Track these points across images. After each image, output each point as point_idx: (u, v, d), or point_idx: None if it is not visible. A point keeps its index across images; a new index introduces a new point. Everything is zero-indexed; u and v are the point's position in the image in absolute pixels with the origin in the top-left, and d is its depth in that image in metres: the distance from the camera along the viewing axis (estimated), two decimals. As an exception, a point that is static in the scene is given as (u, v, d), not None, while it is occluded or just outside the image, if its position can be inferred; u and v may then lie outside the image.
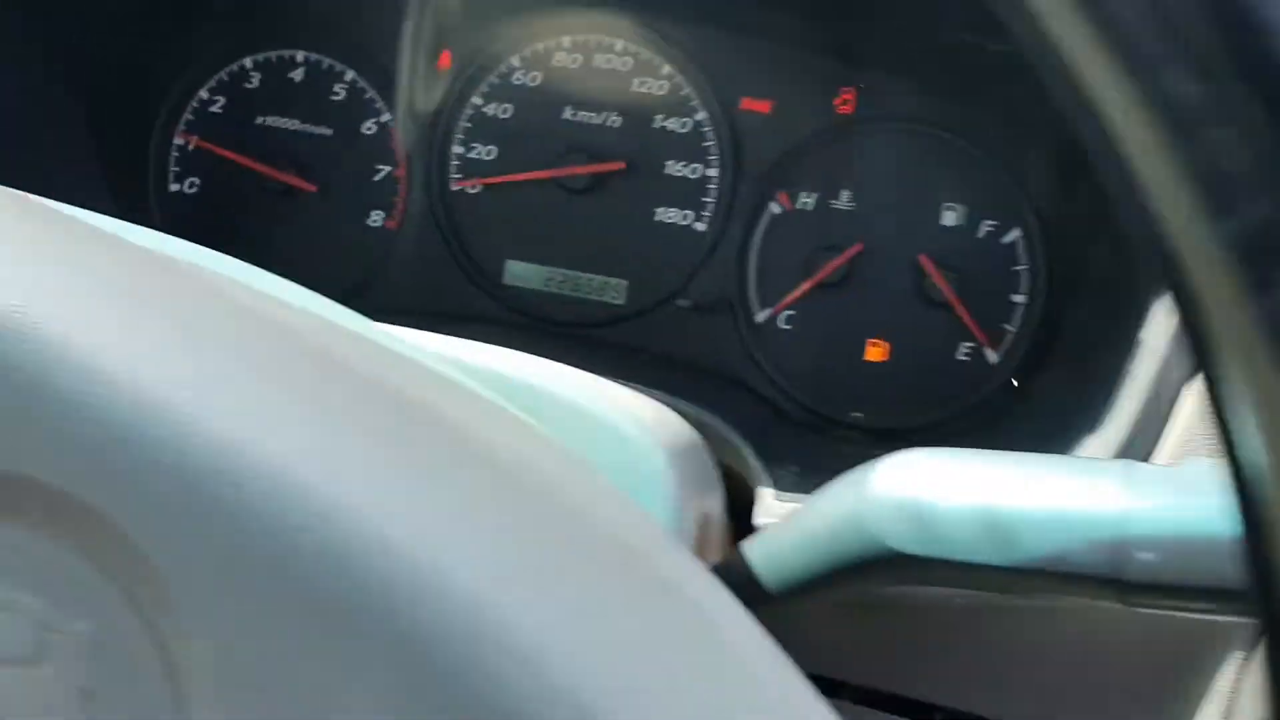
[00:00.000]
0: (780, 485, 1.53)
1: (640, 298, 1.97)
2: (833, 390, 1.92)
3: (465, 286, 2.02)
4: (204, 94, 2.06)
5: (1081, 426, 1.50)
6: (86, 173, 1.94)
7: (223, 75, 2.05)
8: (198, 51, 2.05)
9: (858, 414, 1.92)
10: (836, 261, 1.87)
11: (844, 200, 1.90)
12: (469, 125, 2.00)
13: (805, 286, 1.89)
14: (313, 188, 2.03)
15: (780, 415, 1.90)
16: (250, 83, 2.05)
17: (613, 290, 1.97)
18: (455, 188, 2.01)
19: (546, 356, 1.94)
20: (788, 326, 1.93)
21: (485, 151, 2.00)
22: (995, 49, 1.70)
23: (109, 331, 0.43)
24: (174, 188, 2.07)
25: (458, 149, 2.01)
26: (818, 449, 1.79)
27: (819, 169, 1.91)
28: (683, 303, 1.95)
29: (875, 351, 1.91)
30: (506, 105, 1.99)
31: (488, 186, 2.00)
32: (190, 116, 2.06)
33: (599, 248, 1.98)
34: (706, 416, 1.57)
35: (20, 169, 1.71)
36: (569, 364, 1.90)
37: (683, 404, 1.52)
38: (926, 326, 1.89)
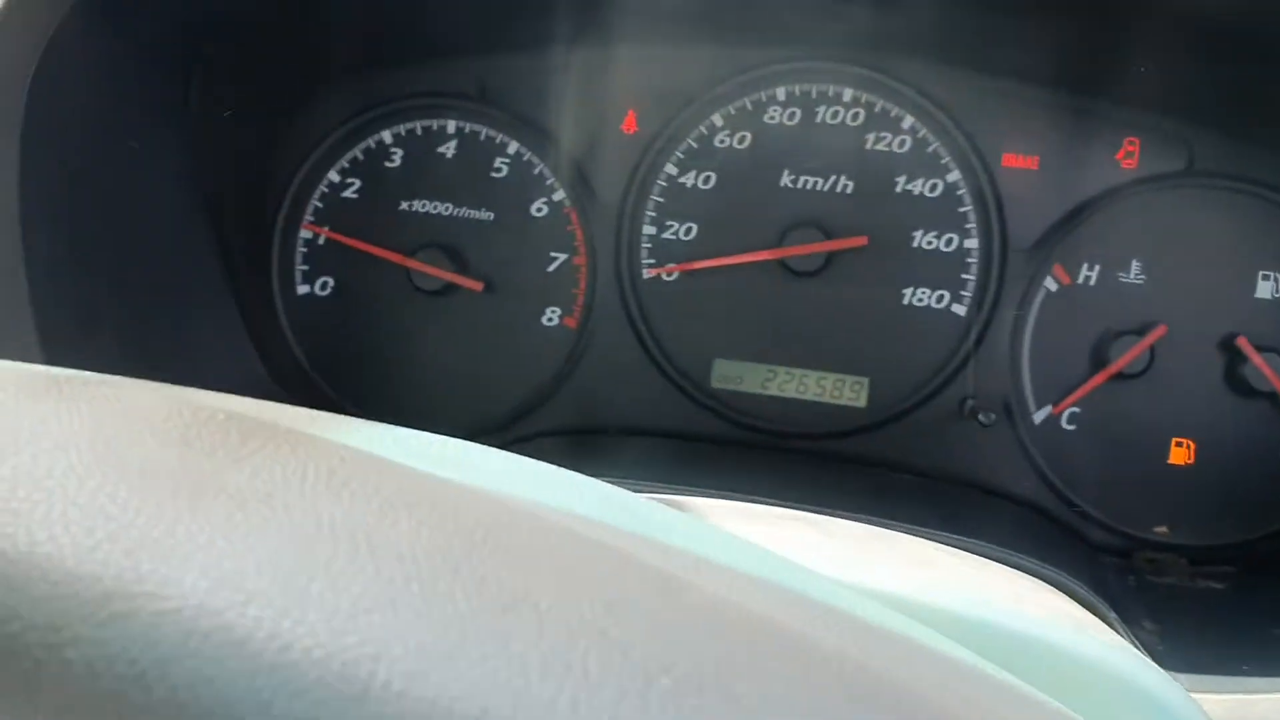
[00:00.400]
0: (1166, 664, 1.20)
1: (885, 399, 1.63)
2: (1131, 502, 1.59)
3: (665, 393, 1.68)
4: (334, 176, 1.69)
5: None
6: (206, 274, 1.57)
7: (356, 153, 1.69)
8: (323, 124, 1.68)
9: (1162, 529, 1.59)
10: (1137, 348, 1.54)
11: (1134, 273, 1.57)
12: (662, 200, 1.66)
13: (1097, 379, 1.56)
14: (475, 284, 1.67)
15: (1072, 535, 1.56)
16: (391, 160, 1.69)
17: (850, 391, 1.63)
18: (648, 275, 1.67)
19: (770, 475, 1.60)
20: (1071, 427, 1.60)
21: (683, 230, 1.66)
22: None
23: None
24: (303, 289, 1.71)
25: (649, 229, 1.66)
26: (1149, 591, 1.46)
27: (1102, 236, 1.58)
28: (942, 404, 1.61)
29: (1180, 453, 1.59)
30: (708, 174, 1.65)
31: (687, 273, 1.65)
32: (319, 204, 1.69)
33: (831, 340, 1.64)
34: (1049, 572, 1.22)
35: (138, 269, 1.35)
36: (799, 484, 1.57)
37: (992, 549, 1.20)
38: (1242, 421, 1.57)
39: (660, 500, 1.01)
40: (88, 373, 0.57)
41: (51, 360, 1.18)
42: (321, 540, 0.44)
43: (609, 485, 0.63)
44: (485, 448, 0.64)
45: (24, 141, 1.16)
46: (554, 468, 0.63)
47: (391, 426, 0.63)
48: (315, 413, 0.61)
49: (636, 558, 0.49)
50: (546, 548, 0.49)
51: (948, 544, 1.19)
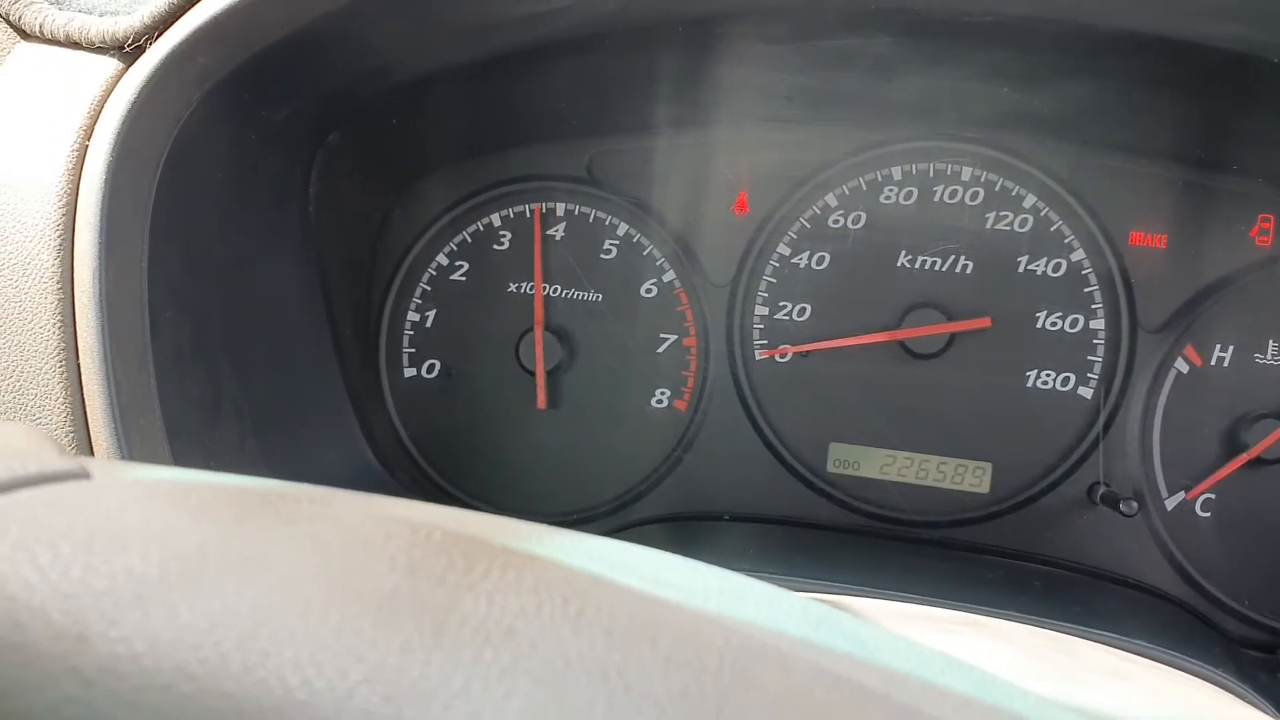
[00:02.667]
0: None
1: (1009, 486, 1.58)
2: (1274, 593, 1.52)
3: (779, 478, 1.63)
4: (442, 259, 1.68)
5: None
6: (319, 358, 1.55)
7: (465, 236, 1.68)
8: (433, 207, 1.67)
9: (1308, 623, 1.51)
10: (1277, 433, 1.47)
11: (1271, 354, 1.51)
12: (774, 281, 1.63)
13: (1234, 465, 1.49)
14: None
15: (1210, 629, 1.49)
16: (499, 243, 1.67)
17: (973, 477, 1.58)
18: (760, 357, 1.63)
19: (890, 563, 1.55)
20: (1206, 514, 1.53)
21: (796, 311, 1.63)
22: None
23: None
24: (409, 372, 1.69)
25: (761, 310, 1.63)
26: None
27: (1235, 316, 1.52)
28: (1068, 490, 1.55)
29: (1324, 541, 1.51)
30: (822, 254, 1.62)
31: (801, 355, 1.62)
32: (426, 287, 1.68)
33: (952, 424, 1.59)
34: (1220, 677, 1.15)
35: (257, 355, 1.34)
36: (924, 575, 1.51)
37: (1141, 645, 1.14)
38: (1391, 507, 1.49)
39: (821, 598, 0.97)
40: (288, 486, 0.54)
41: (177, 450, 1.17)
42: (575, 684, 0.41)
43: (817, 603, 0.60)
44: (678, 558, 0.61)
45: (153, 229, 1.15)
46: (758, 583, 0.60)
47: (586, 536, 0.61)
48: (514, 524, 0.59)
49: (878, 692, 0.46)
50: (789, 686, 0.46)
51: (1095, 640, 1.14)
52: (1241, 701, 1.01)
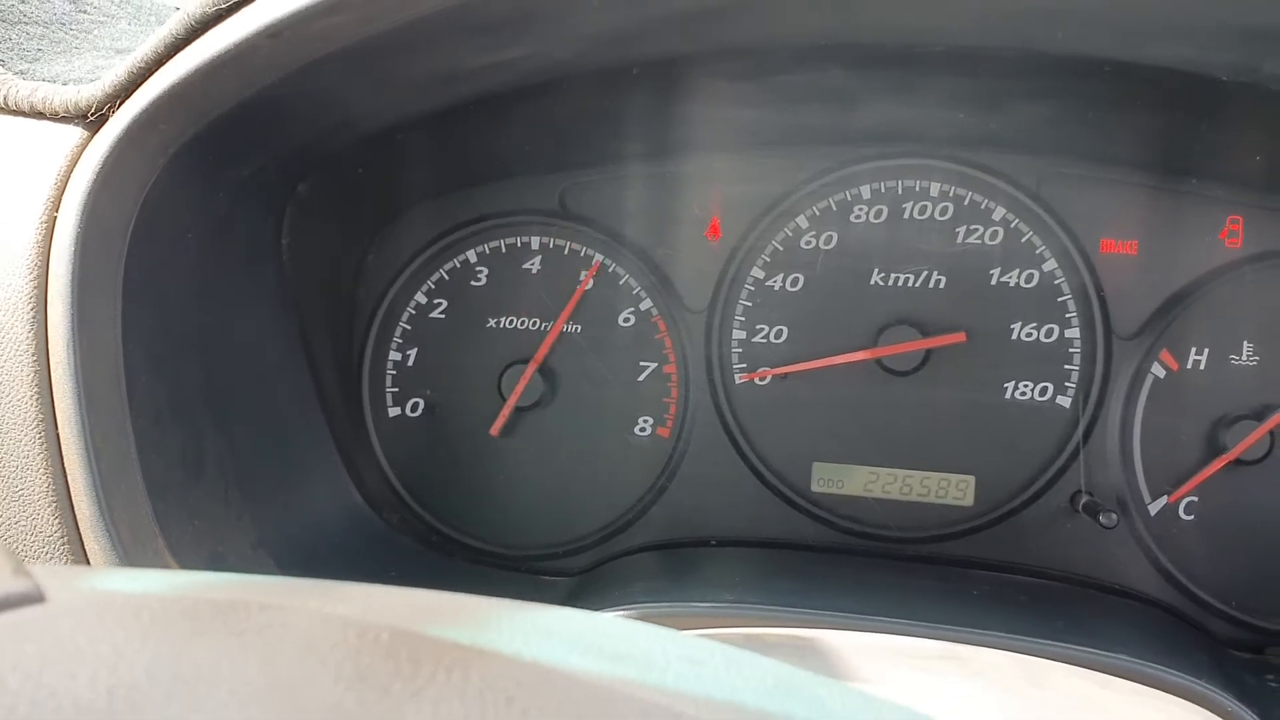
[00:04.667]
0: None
1: (993, 498, 1.59)
2: (1258, 594, 1.53)
3: (764, 500, 1.64)
4: (421, 298, 1.69)
5: None
6: (301, 405, 1.56)
7: (442, 274, 1.69)
8: (409, 247, 1.69)
9: (1293, 620, 1.52)
10: (1255, 434, 1.48)
11: (1246, 355, 1.52)
12: (750, 305, 1.64)
13: (1214, 467, 1.50)
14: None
15: (1198, 632, 1.50)
16: (477, 279, 1.68)
17: (957, 490, 1.59)
18: (740, 381, 1.64)
19: (878, 583, 1.55)
20: (1189, 517, 1.54)
21: (773, 334, 1.64)
22: None
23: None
24: (394, 411, 1.70)
25: (739, 334, 1.64)
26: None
27: (1209, 319, 1.53)
28: (1052, 500, 1.56)
29: (1307, 539, 1.52)
30: (796, 276, 1.63)
31: (781, 377, 1.63)
32: (406, 326, 1.69)
33: (934, 439, 1.60)
34: (1200, 687, 1.16)
35: (237, 408, 1.35)
36: (912, 593, 1.52)
37: (1124, 660, 1.15)
38: (1372, 503, 1.50)
39: (797, 637, 0.98)
40: (241, 588, 0.55)
41: (160, 511, 1.18)
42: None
43: (778, 665, 0.61)
44: (638, 625, 0.62)
45: (126, 296, 1.16)
46: (719, 647, 0.60)
47: (545, 609, 0.61)
48: (470, 604, 0.59)
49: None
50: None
51: (1080, 661, 1.15)
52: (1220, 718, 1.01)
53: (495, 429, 1.63)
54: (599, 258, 1.66)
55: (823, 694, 0.57)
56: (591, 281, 1.67)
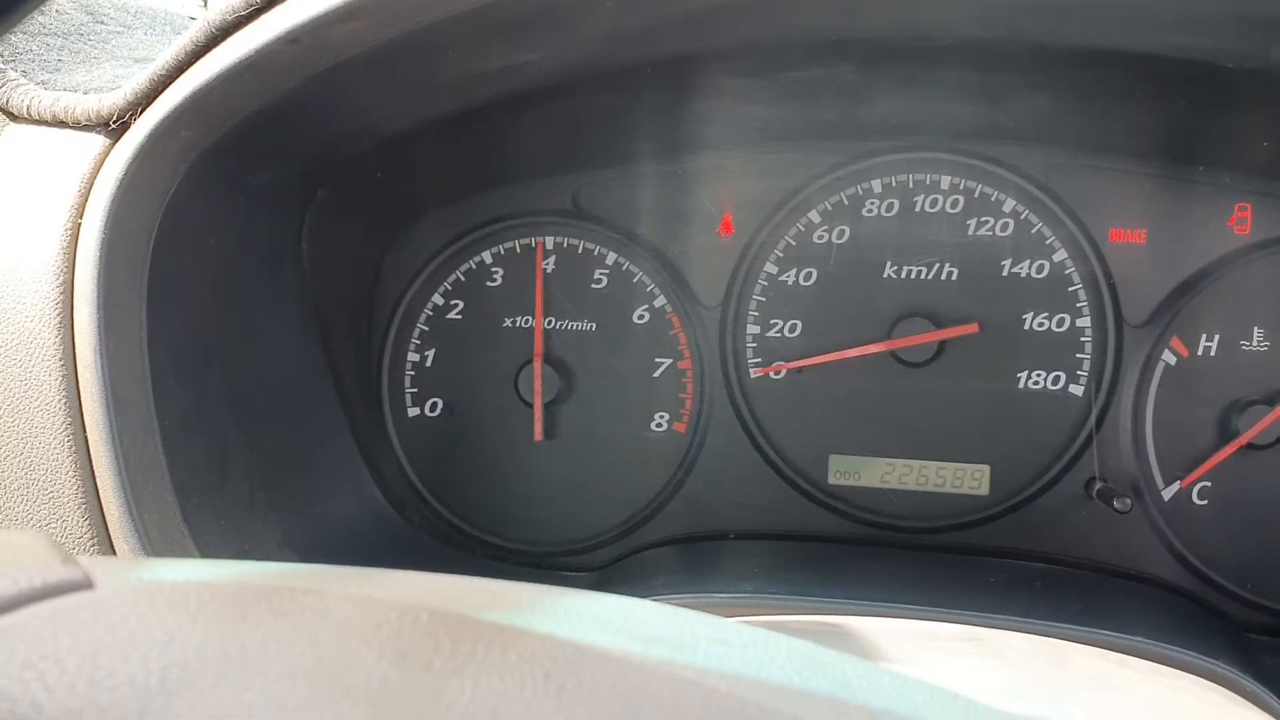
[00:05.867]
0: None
1: (1008, 486, 1.60)
2: (1274, 576, 1.54)
3: (781, 493, 1.66)
4: (438, 299, 1.71)
5: None
6: (323, 406, 1.58)
7: (458, 275, 1.70)
8: (426, 250, 1.70)
9: (1310, 602, 1.53)
10: (1267, 419, 1.49)
11: (1257, 341, 1.53)
12: (764, 300, 1.65)
13: (1226, 451, 1.51)
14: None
15: (1216, 616, 1.51)
16: (492, 280, 1.70)
17: (972, 480, 1.60)
18: (755, 375, 1.65)
19: (895, 573, 1.57)
20: (1203, 502, 1.55)
21: (788, 329, 1.65)
22: None
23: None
24: (413, 411, 1.72)
25: (753, 329, 1.65)
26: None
27: (1219, 305, 1.54)
28: (1066, 487, 1.57)
29: (1320, 522, 1.53)
30: (809, 270, 1.64)
31: (796, 370, 1.64)
32: (424, 328, 1.71)
33: (949, 429, 1.61)
34: (1221, 668, 1.17)
35: (261, 410, 1.37)
36: (927, 577, 1.53)
37: (1144, 643, 1.16)
38: (1385, 485, 1.51)
39: (822, 623, 1.00)
40: (283, 574, 0.57)
41: (188, 512, 1.20)
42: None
43: (803, 643, 0.62)
44: (667, 608, 0.63)
45: (150, 301, 1.18)
46: (745, 628, 0.62)
47: (575, 594, 0.63)
48: (504, 588, 0.61)
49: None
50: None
51: (1097, 643, 1.16)
52: (1240, 699, 1.02)
53: (537, 434, 1.65)
54: (613, 255, 1.68)
55: (847, 670, 0.59)
56: (607, 279, 1.68)
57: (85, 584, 0.51)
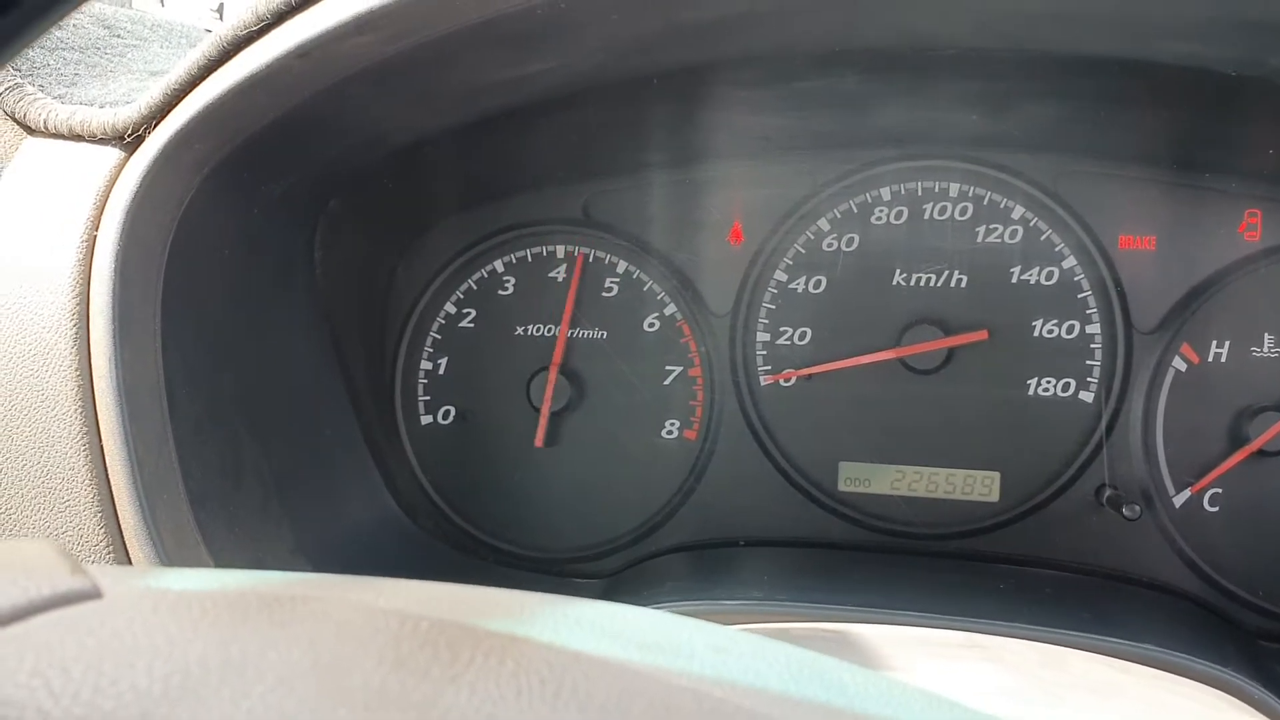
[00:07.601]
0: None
1: (1018, 493, 1.60)
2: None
3: (792, 500, 1.66)
4: (450, 307, 1.72)
5: None
6: (336, 414, 1.60)
7: (470, 284, 1.72)
8: (438, 258, 1.72)
9: (1320, 610, 1.53)
10: (1278, 426, 1.49)
11: (1268, 347, 1.53)
12: (773, 307, 1.66)
13: (1237, 457, 1.51)
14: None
15: (1226, 624, 1.51)
16: (504, 288, 1.71)
17: (982, 486, 1.61)
18: (765, 383, 1.66)
19: (905, 580, 1.57)
20: (1214, 509, 1.55)
21: (797, 336, 1.66)
22: None
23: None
24: (426, 419, 1.73)
25: (763, 336, 1.66)
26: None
27: (1229, 312, 1.54)
28: (1077, 494, 1.57)
29: (1332, 529, 1.53)
30: (818, 278, 1.65)
31: (806, 378, 1.65)
32: (437, 336, 1.72)
33: (959, 436, 1.61)
34: (1227, 675, 1.17)
35: (274, 417, 1.38)
36: (937, 583, 1.54)
37: (1153, 651, 1.16)
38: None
39: (824, 630, 1.01)
40: (285, 583, 0.58)
41: (202, 519, 1.21)
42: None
43: (801, 651, 0.62)
44: (682, 619, 0.64)
45: (164, 311, 1.20)
46: (743, 635, 0.62)
47: (576, 602, 0.64)
48: (504, 597, 0.62)
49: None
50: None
51: (1107, 651, 1.16)
52: (1244, 706, 1.03)
53: (538, 440, 1.66)
54: (623, 264, 1.69)
55: (846, 679, 0.59)
56: (617, 288, 1.69)
57: (94, 593, 0.53)
